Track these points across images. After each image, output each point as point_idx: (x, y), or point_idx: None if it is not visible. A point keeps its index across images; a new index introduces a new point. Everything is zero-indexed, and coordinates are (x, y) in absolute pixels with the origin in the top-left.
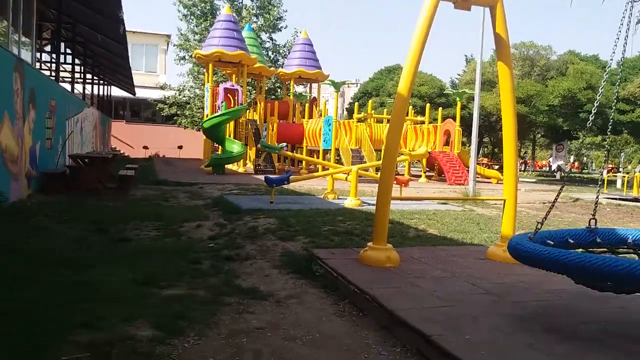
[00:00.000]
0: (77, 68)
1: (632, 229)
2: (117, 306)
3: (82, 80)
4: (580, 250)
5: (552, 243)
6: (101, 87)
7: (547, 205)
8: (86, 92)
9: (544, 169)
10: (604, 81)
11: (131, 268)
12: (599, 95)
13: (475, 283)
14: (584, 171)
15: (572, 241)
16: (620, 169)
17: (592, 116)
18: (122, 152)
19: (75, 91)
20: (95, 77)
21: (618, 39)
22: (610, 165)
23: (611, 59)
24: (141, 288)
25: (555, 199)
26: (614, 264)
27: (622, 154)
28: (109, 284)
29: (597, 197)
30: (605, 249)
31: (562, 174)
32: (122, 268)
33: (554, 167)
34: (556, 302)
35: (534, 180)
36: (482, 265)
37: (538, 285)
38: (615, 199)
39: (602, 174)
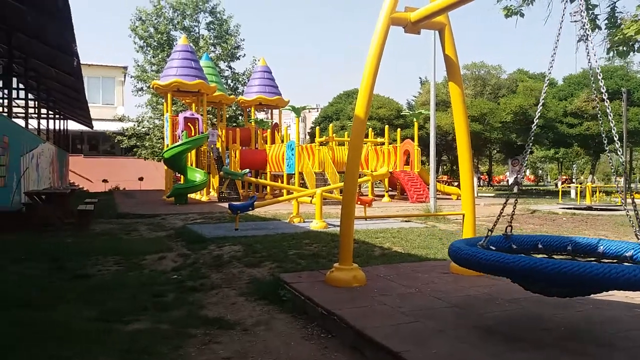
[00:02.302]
0: (31, 103)
1: (541, 235)
2: (80, 345)
3: (36, 115)
4: None
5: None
6: (57, 121)
7: (506, 217)
8: (41, 127)
9: (502, 183)
10: (541, 99)
11: (93, 305)
12: (537, 116)
13: (440, 297)
14: (539, 183)
15: (493, 248)
16: (574, 180)
17: (532, 133)
18: (80, 186)
19: (30, 126)
20: (50, 112)
21: (552, 55)
22: (564, 177)
23: (549, 73)
24: (104, 325)
25: (503, 207)
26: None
27: (574, 166)
28: (71, 322)
29: (514, 207)
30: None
31: (520, 186)
32: (84, 305)
33: (510, 181)
34: (518, 310)
35: (493, 194)
36: (446, 279)
37: (500, 295)
38: (570, 208)
39: (556, 185)
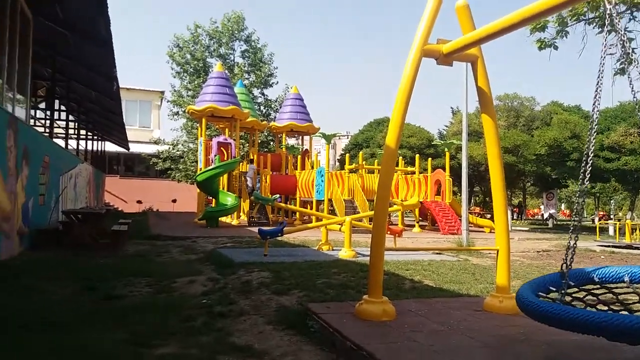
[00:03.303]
0: (71, 124)
1: (595, 267)
2: None
3: (76, 136)
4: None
5: (544, 295)
6: (95, 142)
7: (541, 254)
8: (80, 147)
9: (536, 217)
10: (593, 132)
11: (122, 327)
12: (591, 147)
13: (473, 336)
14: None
15: (553, 288)
16: (612, 216)
17: (588, 166)
18: (115, 207)
19: (69, 147)
20: (89, 133)
21: (597, 90)
22: (602, 213)
23: (594, 109)
24: (132, 348)
25: (573, 244)
26: None
27: (612, 201)
28: (100, 345)
29: (571, 243)
30: (580, 290)
31: (555, 221)
32: (114, 327)
33: (545, 215)
34: (555, 353)
35: (527, 228)
36: (479, 317)
37: (535, 336)
38: (609, 246)
39: (593, 221)
